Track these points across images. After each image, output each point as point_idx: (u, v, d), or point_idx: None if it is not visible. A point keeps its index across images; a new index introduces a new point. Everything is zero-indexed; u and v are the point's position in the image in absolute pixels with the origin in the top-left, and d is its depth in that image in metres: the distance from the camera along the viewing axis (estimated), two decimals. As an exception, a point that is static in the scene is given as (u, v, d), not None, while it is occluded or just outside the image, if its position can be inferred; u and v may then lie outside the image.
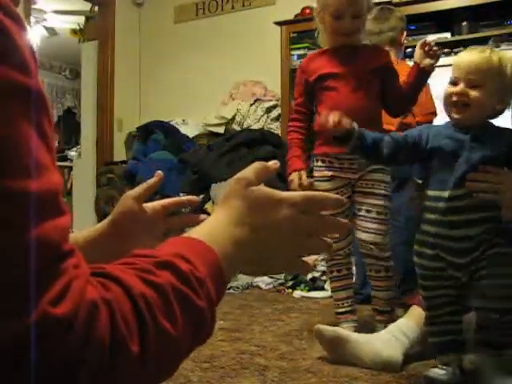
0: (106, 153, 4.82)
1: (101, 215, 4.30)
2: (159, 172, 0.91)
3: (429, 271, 1.41)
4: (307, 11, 3.98)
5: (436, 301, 1.43)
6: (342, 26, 1.81)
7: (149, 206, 0.86)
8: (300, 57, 3.91)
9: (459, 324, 1.42)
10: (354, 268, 2.80)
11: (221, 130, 4.21)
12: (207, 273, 0.51)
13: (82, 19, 5.42)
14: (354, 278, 2.82)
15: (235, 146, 3.75)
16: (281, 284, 3.07)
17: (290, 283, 2.98)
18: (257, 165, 0.63)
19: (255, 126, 4.08)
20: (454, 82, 1.37)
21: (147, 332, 0.43)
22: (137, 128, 4.55)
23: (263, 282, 3.11)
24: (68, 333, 0.37)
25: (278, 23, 3.92)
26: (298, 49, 3.92)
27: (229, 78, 4.39)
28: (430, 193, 1.39)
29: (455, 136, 1.36)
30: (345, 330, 1.69)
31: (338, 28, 1.82)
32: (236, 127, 4.16)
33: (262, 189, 0.60)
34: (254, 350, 1.76)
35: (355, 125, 1.46)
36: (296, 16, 3.99)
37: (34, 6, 5.43)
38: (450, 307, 1.42)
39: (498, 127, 1.41)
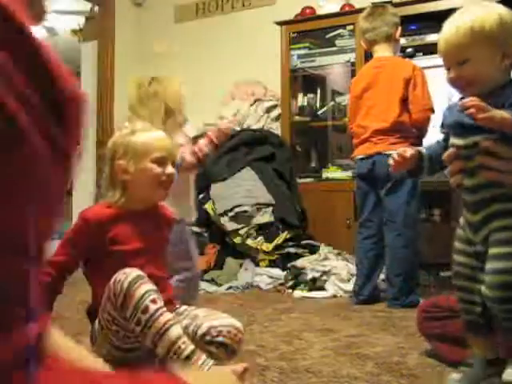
0: (106, 153, 4.82)
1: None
2: None
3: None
4: (307, 11, 3.99)
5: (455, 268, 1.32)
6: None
7: None
8: (300, 57, 3.91)
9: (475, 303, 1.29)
10: (355, 269, 2.80)
11: (221, 129, 4.21)
12: None
13: (82, 19, 5.42)
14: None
15: (235, 145, 3.75)
16: (281, 284, 3.07)
17: (290, 283, 2.98)
18: None
19: (255, 126, 4.07)
20: (446, 67, 1.28)
21: None
22: (137, 128, 4.53)
23: (263, 281, 3.11)
24: None
25: (278, 23, 3.92)
26: (298, 49, 3.91)
27: (229, 78, 4.38)
28: None
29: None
30: None
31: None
32: (236, 127, 4.16)
33: None
34: (254, 350, 1.76)
35: (419, 150, 1.40)
36: (296, 16, 4.00)
37: (34, 6, 5.43)
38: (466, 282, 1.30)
39: None
